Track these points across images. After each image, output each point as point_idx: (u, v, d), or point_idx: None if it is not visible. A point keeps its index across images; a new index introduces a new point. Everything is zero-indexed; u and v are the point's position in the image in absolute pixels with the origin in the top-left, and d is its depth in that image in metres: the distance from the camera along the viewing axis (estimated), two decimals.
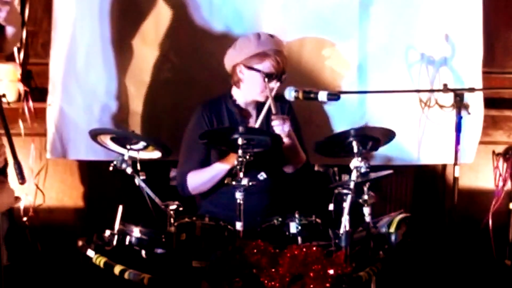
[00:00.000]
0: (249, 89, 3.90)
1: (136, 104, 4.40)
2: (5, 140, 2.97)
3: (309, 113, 4.33)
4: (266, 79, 3.80)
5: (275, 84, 3.82)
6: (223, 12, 4.38)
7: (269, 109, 3.79)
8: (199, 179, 3.83)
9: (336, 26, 4.44)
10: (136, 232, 3.48)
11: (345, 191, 3.33)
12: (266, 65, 3.83)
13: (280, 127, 3.71)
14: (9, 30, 3.46)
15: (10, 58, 4.37)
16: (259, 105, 3.91)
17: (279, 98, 3.84)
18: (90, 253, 3.47)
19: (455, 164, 4.11)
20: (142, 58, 4.38)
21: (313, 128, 4.29)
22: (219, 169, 3.76)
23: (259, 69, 3.83)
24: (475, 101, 4.46)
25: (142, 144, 3.49)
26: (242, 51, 3.88)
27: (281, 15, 4.39)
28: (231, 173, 3.58)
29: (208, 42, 4.38)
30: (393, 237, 3.47)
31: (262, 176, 3.64)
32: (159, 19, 4.37)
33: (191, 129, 3.93)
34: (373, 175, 3.42)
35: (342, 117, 4.48)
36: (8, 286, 3.07)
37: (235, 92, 3.98)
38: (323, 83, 4.43)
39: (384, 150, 3.85)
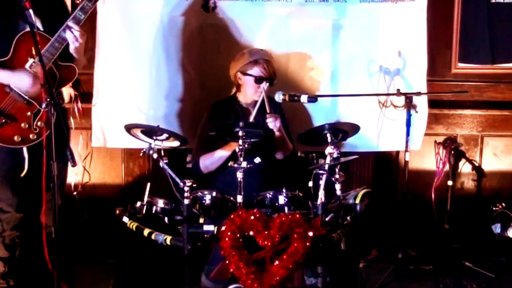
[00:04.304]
0: (246, 91, 3.90)
1: (161, 105, 4.38)
2: None
3: (294, 111, 4.30)
4: (260, 81, 3.80)
5: (265, 85, 3.80)
6: (229, 32, 4.36)
7: (262, 107, 3.77)
8: (208, 162, 3.81)
9: (314, 44, 4.41)
10: (160, 203, 3.49)
11: (321, 171, 3.34)
12: (256, 71, 3.82)
13: (273, 123, 3.71)
14: (75, 56, 3.49)
15: None
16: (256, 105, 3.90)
17: (271, 100, 3.82)
18: (125, 219, 3.48)
19: (406, 151, 4.10)
20: (165, 70, 4.36)
21: (297, 123, 4.26)
22: (223, 154, 3.75)
23: (251, 74, 3.83)
24: (421, 103, 4.45)
25: (165, 135, 3.47)
26: (239, 62, 3.89)
27: (273, 35, 4.37)
28: (233, 158, 3.57)
29: (217, 56, 4.36)
30: (358, 207, 3.47)
31: (257, 160, 3.64)
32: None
33: (204, 123, 3.92)
34: (342, 159, 3.42)
35: (319, 115, 4.45)
36: (61, 245, 3.06)
37: (238, 95, 3.98)
38: (304, 88, 4.41)
39: (351, 140, 3.84)
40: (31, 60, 3.31)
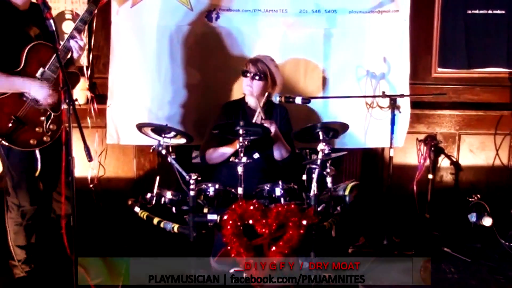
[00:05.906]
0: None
1: (169, 106, 4.38)
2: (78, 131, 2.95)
3: (290, 111, 4.30)
4: (244, 74, 3.84)
5: (250, 80, 3.80)
6: (231, 40, 4.36)
7: (268, 110, 3.78)
8: (213, 155, 3.82)
9: (308, 51, 4.41)
10: (168, 194, 3.50)
11: (314, 166, 3.33)
12: (245, 67, 3.85)
13: (268, 128, 3.69)
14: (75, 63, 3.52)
15: (80, 73, 4.33)
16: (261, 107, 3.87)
17: (273, 105, 3.83)
18: (137, 209, 3.49)
19: (390, 147, 4.10)
20: (172, 74, 4.36)
21: (293, 122, 4.26)
22: (227, 151, 3.75)
23: (242, 71, 3.86)
24: (404, 104, 4.44)
25: (172, 133, 3.47)
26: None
27: (270, 42, 4.37)
28: (235, 153, 3.56)
29: (219, 62, 4.36)
30: (347, 198, 3.47)
31: (256, 155, 3.64)
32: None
33: (213, 121, 3.90)
34: (333, 155, 3.42)
35: None
36: (80, 232, 3.06)
37: (245, 97, 3.97)
38: (299, 91, 4.41)
39: (341, 138, 3.84)
40: (41, 69, 3.29)
